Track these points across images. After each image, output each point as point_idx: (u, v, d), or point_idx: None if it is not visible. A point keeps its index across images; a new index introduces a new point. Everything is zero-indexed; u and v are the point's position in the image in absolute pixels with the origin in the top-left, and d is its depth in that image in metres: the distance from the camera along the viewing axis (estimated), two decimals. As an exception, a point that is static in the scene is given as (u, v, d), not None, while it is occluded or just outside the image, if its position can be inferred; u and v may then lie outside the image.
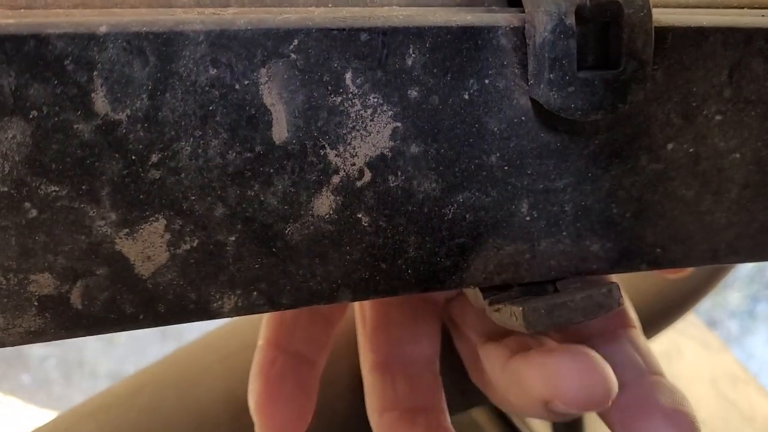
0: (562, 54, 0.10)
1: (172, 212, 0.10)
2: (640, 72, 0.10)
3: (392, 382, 0.16)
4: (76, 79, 0.09)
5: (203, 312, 0.10)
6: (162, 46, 0.09)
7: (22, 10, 0.09)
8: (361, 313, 0.18)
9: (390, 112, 0.10)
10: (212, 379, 0.19)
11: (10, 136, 0.09)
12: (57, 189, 0.09)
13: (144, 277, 0.10)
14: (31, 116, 0.09)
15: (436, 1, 0.11)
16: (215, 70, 0.09)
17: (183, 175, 0.10)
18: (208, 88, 0.09)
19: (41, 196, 0.09)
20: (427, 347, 0.17)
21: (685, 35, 0.11)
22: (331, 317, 0.17)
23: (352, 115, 0.10)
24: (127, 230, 0.10)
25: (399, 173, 0.11)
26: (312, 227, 0.10)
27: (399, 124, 0.10)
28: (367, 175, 0.10)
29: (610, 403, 0.11)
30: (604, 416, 0.14)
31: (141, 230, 0.10)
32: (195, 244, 0.10)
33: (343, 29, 0.10)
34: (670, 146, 0.12)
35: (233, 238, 0.10)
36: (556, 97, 0.10)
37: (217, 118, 0.10)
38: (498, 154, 0.11)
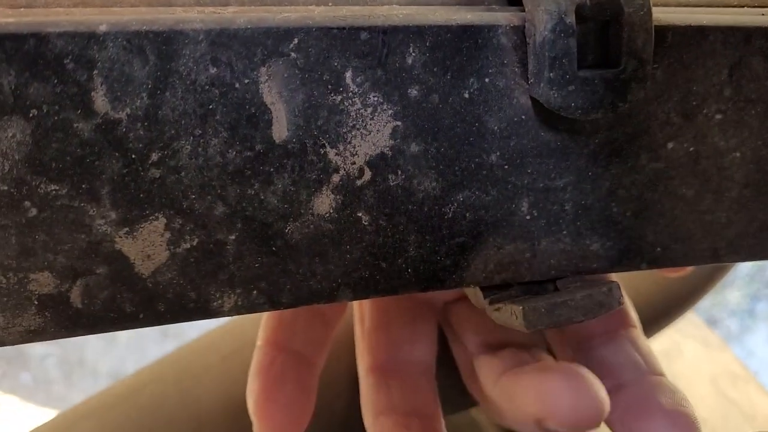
0: (563, 53, 0.10)
1: (172, 211, 0.10)
2: (640, 71, 0.10)
3: (387, 386, 0.16)
4: (76, 77, 0.09)
5: (203, 311, 0.10)
6: (162, 45, 0.09)
7: (22, 9, 0.09)
8: (360, 313, 0.18)
9: (390, 111, 0.10)
10: (212, 378, 0.19)
11: (10, 134, 0.09)
12: (57, 188, 0.09)
13: (144, 276, 0.10)
14: (30, 115, 0.09)
15: (436, 0, 0.11)
16: (215, 69, 0.09)
17: (183, 173, 0.10)
18: (208, 87, 0.09)
19: (41, 195, 0.09)
20: (425, 350, 0.17)
21: (686, 34, 0.11)
22: (330, 317, 0.17)
23: (352, 113, 0.10)
24: (127, 229, 0.10)
25: (399, 172, 0.11)
26: (312, 226, 0.10)
27: (399, 123, 0.10)
28: (367, 174, 0.10)
29: (602, 423, 0.11)
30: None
31: (141, 229, 0.10)
32: (195, 243, 0.10)
33: (344, 28, 0.10)
34: (670, 145, 0.12)
35: (233, 237, 0.10)
36: (556, 95, 0.10)
37: (217, 117, 0.10)
38: (498, 153, 0.11)
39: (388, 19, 0.10)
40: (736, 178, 0.12)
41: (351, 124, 0.10)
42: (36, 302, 0.10)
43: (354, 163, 0.10)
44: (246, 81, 0.10)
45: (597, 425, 0.11)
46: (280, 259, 0.10)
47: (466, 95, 0.10)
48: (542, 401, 0.11)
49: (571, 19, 0.10)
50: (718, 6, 0.12)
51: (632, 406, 0.13)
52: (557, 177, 0.11)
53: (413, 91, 0.10)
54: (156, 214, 0.10)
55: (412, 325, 0.17)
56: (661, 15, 0.11)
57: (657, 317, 0.25)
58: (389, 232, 0.11)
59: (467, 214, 0.11)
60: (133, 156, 0.09)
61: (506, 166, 0.11)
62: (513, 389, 0.12)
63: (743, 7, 0.12)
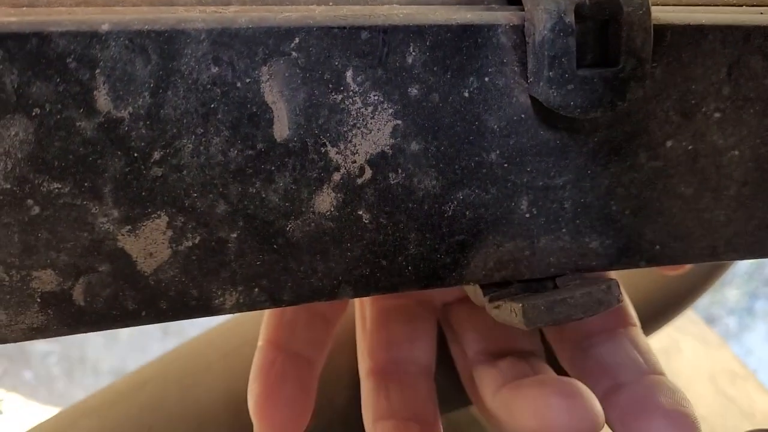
0: (562, 52, 0.10)
1: (174, 209, 0.10)
2: (639, 70, 0.10)
3: (387, 390, 0.16)
4: (78, 76, 0.09)
5: (205, 308, 0.10)
6: (164, 44, 0.09)
7: (25, 8, 0.09)
8: (360, 312, 0.18)
9: (390, 110, 0.10)
10: (213, 376, 0.19)
11: (13, 133, 0.09)
12: (59, 186, 0.09)
13: (146, 274, 0.10)
14: (33, 114, 0.09)
15: (436, 0, 0.11)
16: (217, 68, 0.09)
17: (185, 172, 0.10)
18: (209, 86, 0.10)
19: (44, 193, 0.09)
20: (424, 349, 0.17)
21: (684, 33, 0.11)
22: (331, 317, 0.17)
23: (353, 112, 0.10)
24: (130, 227, 0.10)
25: (399, 170, 0.11)
26: (313, 224, 0.10)
27: (399, 122, 0.10)
28: (368, 173, 0.10)
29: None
30: (604, 415, 0.14)
31: (143, 227, 0.10)
32: (197, 241, 0.10)
33: (344, 27, 0.10)
34: (669, 144, 0.12)
35: (235, 235, 0.10)
36: (555, 94, 0.10)
37: (219, 116, 0.10)
38: (498, 152, 0.11)
39: (388, 18, 0.10)
40: (734, 177, 0.12)
41: (352, 123, 0.10)
42: (39, 300, 0.10)
43: (355, 161, 0.10)
44: (247, 80, 0.10)
45: None
46: (281, 257, 0.11)
47: (466, 94, 0.11)
48: (539, 417, 0.11)
49: (570, 18, 0.10)
50: (717, 5, 0.12)
51: (632, 406, 0.13)
52: (556, 175, 0.11)
53: (413, 90, 0.10)
54: (158, 212, 0.10)
55: (411, 324, 0.17)
56: (660, 14, 0.11)
57: (656, 315, 0.25)
58: (390, 230, 0.11)
59: (467, 213, 0.11)
60: (136, 154, 0.10)
61: (506, 165, 0.11)
62: (511, 403, 0.12)
63: (742, 6, 0.12)
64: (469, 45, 0.10)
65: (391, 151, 0.10)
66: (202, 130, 0.10)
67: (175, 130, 0.10)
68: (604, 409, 0.14)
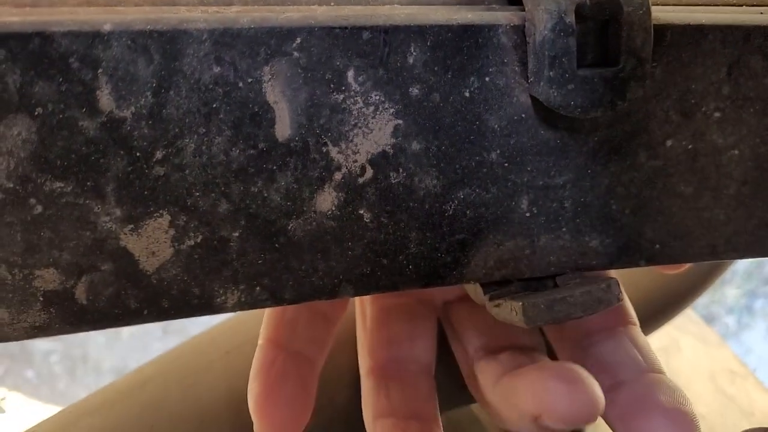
0: (562, 52, 0.10)
1: (177, 208, 0.10)
2: (639, 69, 0.10)
3: (387, 389, 0.16)
4: (80, 76, 0.09)
5: (207, 307, 0.10)
6: (166, 45, 0.09)
7: (27, 8, 0.09)
8: (361, 311, 0.18)
9: (391, 110, 0.10)
10: (214, 374, 0.19)
11: (16, 133, 0.09)
12: (62, 185, 0.09)
13: (148, 273, 0.10)
14: (36, 113, 0.09)
15: (437, 0, 0.11)
16: (219, 68, 0.10)
17: (187, 171, 0.10)
18: (211, 86, 0.10)
19: (46, 193, 0.09)
20: (424, 348, 0.17)
21: (684, 33, 0.11)
22: (332, 316, 0.17)
23: (354, 112, 0.10)
24: (132, 226, 0.10)
25: (400, 170, 0.11)
26: (314, 223, 0.11)
27: (400, 122, 0.10)
28: (369, 172, 0.11)
29: (597, 419, 0.11)
30: (604, 414, 0.14)
31: (145, 226, 0.10)
32: (199, 240, 0.10)
33: (346, 27, 0.10)
34: (668, 143, 0.12)
35: (237, 234, 0.10)
36: (555, 94, 0.10)
37: (221, 116, 0.10)
38: (498, 151, 0.11)
39: (389, 18, 0.10)
40: (734, 176, 0.12)
41: (353, 123, 0.10)
42: (41, 298, 0.10)
43: (356, 161, 0.10)
44: (249, 80, 0.10)
45: (592, 421, 0.11)
46: (282, 256, 0.11)
47: (467, 94, 0.11)
48: (539, 398, 0.11)
49: (570, 18, 0.10)
50: (717, 5, 0.12)
51: (631, 404, 0.13)
52: (557, 175, 0.11)
53: (414, 90, 0.10)
54: (160, 211, 0.10)
55: (412, 323, 0.17)
56: (660, 14, 0.11)
57: (655, 314, 0.25)
58: (390, 229, 0.11)
59: (467, 212, 0.11)
60: (138, 154, 0.10)
61: (506, 164, 0.11)
62: (511, 389, 0.12)
63: (742, 5, 0.13)
64: (470, 45, 0.10)
65: (392, 151, 0.11)
66: (204, 130, 0.10)
67: (177, 130, 0.10)
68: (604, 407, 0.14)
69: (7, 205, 0.09)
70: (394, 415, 0.15)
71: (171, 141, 0.10)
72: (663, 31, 0.11)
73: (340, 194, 0.11)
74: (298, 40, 0.10)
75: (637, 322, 0.15)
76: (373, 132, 0.10)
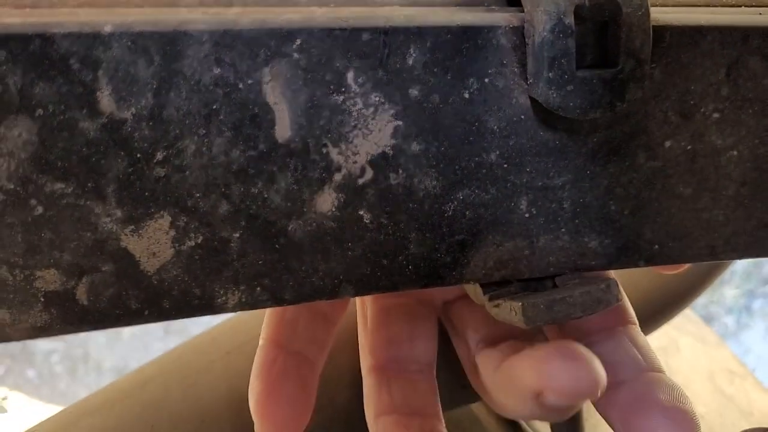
0: (561, 53, 0.10)
1: (177, 209, 0.10)
2: (638, 71, 0.11)
3: (388, 386, 0.16)
4: (81, 77, 0.09)
5: (207, 307, 0.11)
6: (166, 46, 0.09)
7: (28, 9, 0.09)
8: (362, 312, 0.18)
9: (391, 111, 0.10)
10: (215, 374, 0.19)
11: (17, 134, 0.09)
12: (63, 186, 0.09)
13: (149, 273, 0.10)
14: (36, 114, 0.09)
15: (436, 1, 0.11)
16: (219, 69, 0.10)
17: (187, 172, 0.10)
18: (212, 87, 0.10)
19: (47, 194, 0.09)
20: (425, 348, 0.17)
21: (683, 34, 0.11)
22: (332, 316, 0.17)
23: (354, 113, 0.10)
24: (133, 227, 0.10)
25: (400, 171, 0.11)
26: (314, 224, 0.11)
27: (400, 123, 0.10)
28: (369, 173, 0.11)
29: (599, 393, 0.11)
30: (604, 413, 0.14)
31: (146, 227, 0.10)
32: (199, 241, 0.10)
33: (345, 29, 0.10)
34: (667, 144, 0.12)
35: (237, 235, 0.10)
36: (555, 95, 0.10)
37: (221, 117, 0.10)
38: (497, 152, 0.11)
39: (389, 20, 0.10)
40: (733, 177, 0.12)
41: (353, 124, 0.10)
42: (42, 299, 0.10)
43: (356, 162, 0.10)
44: (249, 81, 0.10)
45: (594, 396, 0.11)
46: (283, 257, 0.11)
47: (466, 95, 0.11)
48: (539, 374, 0.11)
49: (569, 19, 0.10)
50: (716, 6, 0.13)
51: (631, 403, 0.13)
52: (556, 176, 0.11)
53: (414, 92, 0.10)
54: (161, 212, 0.10)
55: (412, 323, 0.17)
56: (659, 15, 0.11)
57: (655, 314, 0.25)
58: (390, 230, 0.11)
59: (467, 212, 0.11)
60: (139, 155, 0.10)
61: (505, 165, 0.11)
62: (512, 368, 0.12)
63: (740, 6, 0.13)
64: (469, 46, 0.10)
65: (391, 152, 0.11)
66: (204, 131, 0.10)
67: (177, 131, 0.10)
68: (603, 406, 0.14)
69: (8, 206, 0.09)
70: (397, 412, 0.15)
71: (171, 142, 0.10)
72: (662, 32, 0.11)
73: (340, 195, 0.11)
74: (298, 41, 0.10)
75: (637, 322, 0.15)
76: (372, 133, 0.10)
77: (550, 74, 0.10)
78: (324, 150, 0.10)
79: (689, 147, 0.12)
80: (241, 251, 0.10)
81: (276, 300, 0.11)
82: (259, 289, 0.11)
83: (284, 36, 0.10)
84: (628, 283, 0.18)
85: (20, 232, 0.09)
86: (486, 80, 0.11)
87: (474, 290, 0.13)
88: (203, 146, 0.10)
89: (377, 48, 0.10)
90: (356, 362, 0.18)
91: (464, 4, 0.11)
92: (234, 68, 0.10)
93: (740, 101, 0.12)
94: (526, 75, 0.11)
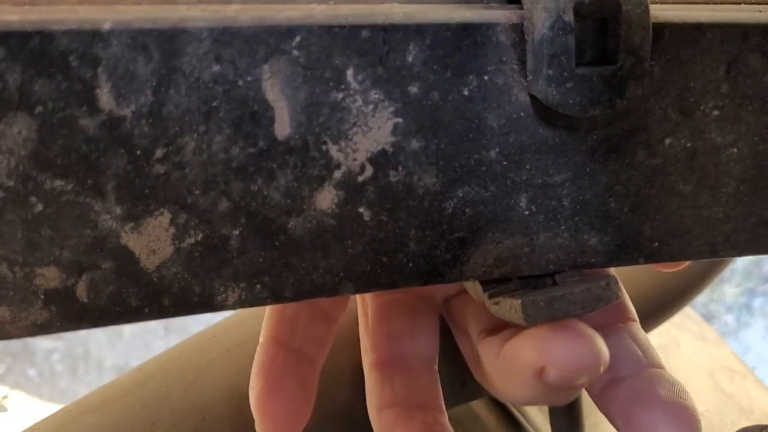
0: (561, 50, 0.10)
1: (177, 206, 0.10)
2: (637, 68, 0.11)
3: (391, 381, 0.16)
4: (80, 75, 0.09)
5: (207, 304, 0.11)
6: (166, 43, 0.09)
7: (27, 7, 0.09)
8: (363, 308, 0.18)
9: (391, 108, 0.10)
10: (216, 372, 0.19)
11: (16, 131, 0.09)
12: (62, 183, 0.09)
13: (149, 271, 0.10)
14: (36, 112, 0.09)
15: None
16: (218, 67, 0.10)
17: (187, 169, 0.10)
18: (211, 84, 0.10)
19: (47, 191, 0.09)
20: (426, 344, 0.17)
21: (683, 31, 0.11)
22: (332, 314, 0.17)
23: (354, 111, 0.10)
24: (132, 224, 0.10)
25: (400, 168, 0.11)
26: (314, 221, 0.11)
27: (400, 120, 0.10)
28: (369, 170, 0.11)
29: (602, 369, 0.11)
30: (604, 409, 0.14)
31: (146, 224, 0.10)
32: (199, 238, 0.10)
33: (345, 26, 0.10)
34: (667, 141, 0.12)
35: (237, 232, 0.10)
36: (554, 92, 0.10)
37: (221, 114, 0.10)
38: (497, 150, 0.11)
39: (388, 17, 0.10)
40: (733, 174, 0.12)
41: (352, 121, 0.10)
42: (42, 296, 0.10)
43: (355, 159, 0.10)
44: (249, 78, 0.10)
45: (597, 373, 0.11)
46: (282, 254, 0.11)
47: (466, 92, 0.11)
48: (540, 352, 0.11)
49: (569, 16, 0.10)
50: (716, 3, 0.12)
51: (632, 399, 0.13)
52: (555, 173, 0.11)
53: (413, 89, 0.10)
54: (161, 210, 0.10)
55: (412, 320, 0.17)
56: (659, 12, 0.11)
57: (655, 312, 0.25)
58: (390, 227, 0.11)
59: (467, 210, 0.11)
60: (138, 152, 0.10)
61: (505, 163, 0.11)
62: (513, 351, 0.12)
63: (740, 3, 0.13)
64: (469, 43, 0.10)
65: (391, 149, 0.11)
66: (204, 128, 0.10)
67: (177, 128, 0.10)
68: (604, 402, 0.14)
69: (7, 204, 0.09)
70: (399, 405, 0.15)
71: (171, 139, 0.10)
72: (661, 29, 0.11)
73: (339, 192, 0.11)
74: (298, 38, 0.10)
75: (637, 319, 0.15)
76: (372, 130, 0.10)
77: (549, 71, 0.10)
78: (324, 147, 0.10)
79: (689, 144, 0.12)
80: (240, 248, 0.10)
81: (276, 297, 0.11)
82: (259, 286, 0.11)
83: (283, 33, 0.10)
84: (628, 280, 0.18)
85: (20, 230, 0.09)
86: (485, 77, 0.11)
87: (474, 287, 0.13)
88: (203, 143, 0.10)
89: (377, 45, 0.10)
90: (356, 360, 0.18)
91: (463, 2, 0.11)
92: (233, 65, 0.10)
93: (740, 98, 0.12)
94: (526, 72, 0.11)
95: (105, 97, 0.09)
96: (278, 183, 0.10)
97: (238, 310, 0.12)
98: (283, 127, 0.10)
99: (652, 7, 0.10)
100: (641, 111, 0.11)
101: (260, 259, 0.11)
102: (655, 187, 0.12)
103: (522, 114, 0.11)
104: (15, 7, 0.09)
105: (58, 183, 0.09)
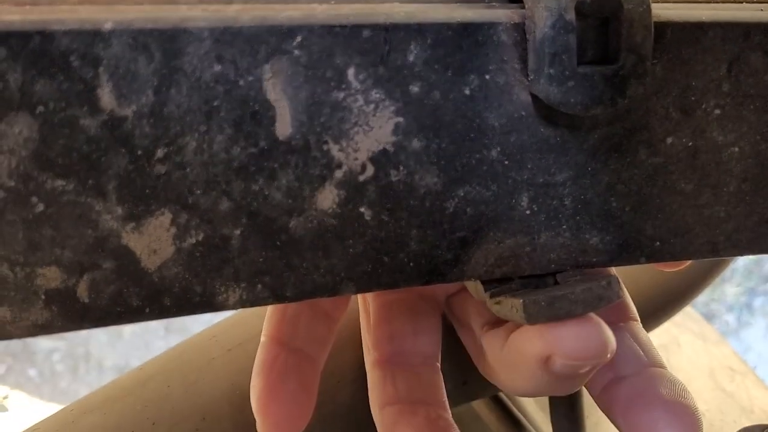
0: (562, 49, 0.10)
1: (178, 206, 0.10)
2: (639, 67, 0.10)
3: (393, 378, 0.16)
4: (81, 75, 0.09)
5: (208, 304, 0.11)
6: (167, 43, 0.09)
7: (28, 7, 0.09)
8: (364, 307, 0.18)
9: (392, 108, 0.10)
10: (217, 372, 0.19)
11: (17, 131, 0.09)
12: (63, 183, 0.09)
13: (150, 271, 0.10)
14: (37, 112, 0.09)
15: None
16: (219, 67, 0.10)
17: (188, 169, 0.10)
18: (212, 84, 0.10)
19: (48, 191, 0.09)
20: (428, 342, 0.17)
21: (684, 30, 0.11)
22: (333, 314, 0.17)
23: (355, 110, 0.10)
24: (134, 224, 0.10)
25: (401, 168, 0.11)
26: (315, 221, 0.11)
27: (401, 119, 0.10)
28: (370, 170, 0.11)
29: (609, 356, 0.11)
30: (605, 409, 0.14)
31: (147, 224, 0.10)
32: (200, 238, 0.10)
33: (346, 26, 0.10)
34: (669, 140, 0.12)
35: (238, 232, 0.10)
36: (555, 92, 0.10)
37: (222, 114, 0.10)
38: (498, 149, 0.11)
39: (389, 17, 0.10)
40: (734, 173, 0.12)
41: (353, 121, 0.10)
42: (43, 296, 0.10)
43: (356, 159, 0.10)
44: (250, 78, 0.10)
45: (603, 360, 0.11)
46: (284, 254, 0.11)
47: (467, 92, 0.11)
48: (546, 340, 0.11)
49: (570, 15, 0.10)
50: (717, 2, 0.12)
51: (633, 398, 0.13)
52: (557, 172, 0.11)
53: (415, 88, 0.10)
54: (162, 210, 0.10)
55: (414, 318, 0.17)
56: (661, 11, 0.11)
57: (656, 312, 0.25)
58: (391, 227, 0.11)
59: (468, 209, 0.11)
60: (139, 152, 0.10)
61: (506, 162, 0.11)
62: (518, 342, 0.12)
63: (742, 2, 0.13)
64: (470, 43, 0.10)
65: (392, 149, 0.11)
66: (205, 128, 0.10)
67: (178, 128, 0.10)
68: (605, 402, 0.14)
69: (8, 204, 0.09)
70: (402, 401, 0.15)
71: (172, 139, 0.10)
72: (663, 28, 0.11)
73: (340, 192, 0.11)
74: (299, 38, 0.10)
75: (638, 318, 0.15)
76: (373, 130, 0.10)
77: (551, 70, 0.10)
78: (325, 147, 0.10)
79: (690, 143, 0.12)
80: (242, 248, 0.10)
81: (277, 297, 0.11)
82: (260, 286, 0.11)
83: (284, 33, 0.10)
84: (629, 280, 0.18)
85: (21, 230, 0.09)
86: (487, 77, 0.11)
87: (475, 287, 0.13)
88: (204, 143, 0.10)
89: (378, 45, 0.10)
90: (358, 359, 0.18)
91: (465, 1, 0.11)
92: (234, 65, 0.10)
93: (741, 97, 0.12)
94: (527, 71, 0.11)
95: (106, 97, 0.09)
96: (279, 183, 0.10)
97: (239, 310, 0.12)
98: (284, 127, 0.10)
99: (653, 6, 0.10)
100: (643, 110, 0.11)
101: (261, 259, 0.11)
102: (656, 186, 0.12)
103: (523, 113, 0.11)
104: (16, 7, 0.09)
105: (59, 183, 0.09)
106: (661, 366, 0.14)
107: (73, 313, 0.10)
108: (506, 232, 0.11)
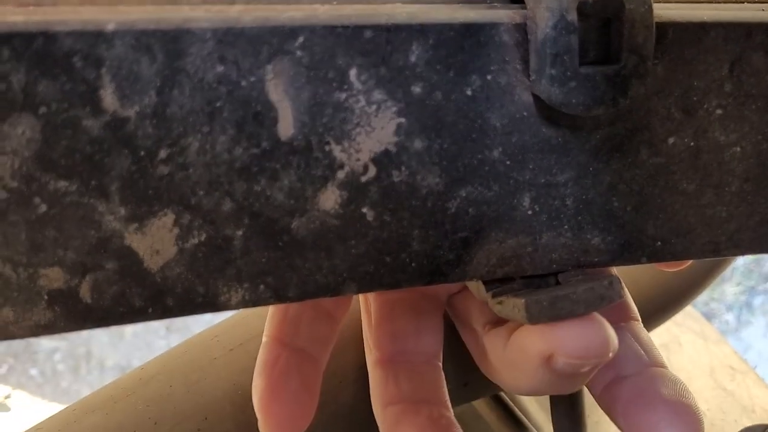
0: (564, 49, 0.10)
1: (181, 207, 0.10)
2: (641, 67, 0.11)
3: (395, 378, 0.16)
4: (84, 75, 0.09)
5: (211, 305, 0.11)
6: (169, 44, 0.09)
7: (31, 7, 0.09)
8: (366, 307, 0.18)
9: (394, 108, 0.10)
10: (218, 371, 0.19)
11: (20, 132, 0.09)
12: (66, 184, 0.09)
13: (153, 271, 0.10)
14: (40, 112, 0.09)
15: None
16: (222, 67, 0.10)
17: (191, 170, 0.10)
18: (215, 85, 0.10)
19: (51, 192, 0.09)
20: (430, 342, 0.17)
21: (686, 30, 0.11)
22: (335, 314, 0.17)
23: (357, 111, 0.10)
24: (136, 225, 0.10)
25: (403, 168, 0.11)
26: (318, 221, 0.11)
27: (403, 120, 0.10)
28: (372, 170, 0.11)
29: (611, 355, 0.11)
30: (606, 408, 0.14)
31: (150, 225, 0.10)
32: (203, 239, 0.10)
33: (348, 26, 0.10)
34: (670, 140, 0.12)
35: (240, 233, 0.10)
36: (557, 92, 0.10)
37: (224, 115, 0.10)
38: (500, 149, 0.11)
39: (391, 17, 0.10)
40: (736, 173, 0.12)
41: (355, 122, 0.10)
42: (46, 297, 0.10)
43: (359, 159, 0.10)
44: (252, 79, 0.10)
45: (605, 358, 0.11)
46: (286, 254, 0.11)
47: (469, 92, 0.11)
48: (549, 337, 0.11)
49: (572, 16, 0.10)
50: (719, 2, 0.12)
51: (634, 398, 0.13)
52: (558, 172, 0.11)
53: (417, 89, 0.10)
54: (165, 210, 0.10)
55: (416, 318, 0.17)
56: (662, 11, 0.11)
57: (656, 311, 0.25)
58: (393, 228, 0.11)
59: (470, 210, 0.11)
60: (142, 153, 0.10)
61: (508, 162, 0.11)
62: (520, 341, 0.12)
63: (744, 2, 0.13)
64: (472, 43, 0.10)
65: (394, 149, 0.11)
66: (207, 129, 0.10)
67: (181, 129, 0.10)
68: (606, 401, 0.14)
69: (11, 204, 0.09)
70: (404, 400, 0.15)
71: (175, 140, 0.10)
72: (665, 28, 0.11)
73: (343, 193, 0.11)
74: (301, 39, 0.10)
75: (639, 318, 0.15)
76: (375, 130, 0.10)
77: (552, 71, 0.10)
78: (327, 148, 0.10)
79: (692, 143, 0.12)
80: (244, 249, 0.10)
81: (279, 297, 0.11)
82: (262, 286, 0.11)
83: (287, 34, 0.10)
84: (630, 280, 0.18)
85: (24, 231, 0.09)
86: (488, 77, 0.11)
87: (477, 287, 0.13)
88: (206, 144, 0.10)
89: (380, 45, 0.10)
90: (360, 359, 0.18)
91: (466, 2, 0.11)
92: (237, 66, 0.10)
93: (743, 97, 0.12)
94: (529, 72, 0.11)
95: (109, 98, 0.09)
96: (282, 183, 0.10)
97: (241, 310, 0.12)
98: (286, 128, 0.10)
99: (655, 6, 0.10)
100: (644, 110, 0.11)
101: (264, 260, 0.11)
102: (658, 187, 0.12)
103: (525, 114, 0.11)
104: (19, 7, 0.09)
105: (62, 184, 0.09)
106: (662, 366, 0.14)
107: (75, 314, 0.10)
108: (508, 233, 0.12)
